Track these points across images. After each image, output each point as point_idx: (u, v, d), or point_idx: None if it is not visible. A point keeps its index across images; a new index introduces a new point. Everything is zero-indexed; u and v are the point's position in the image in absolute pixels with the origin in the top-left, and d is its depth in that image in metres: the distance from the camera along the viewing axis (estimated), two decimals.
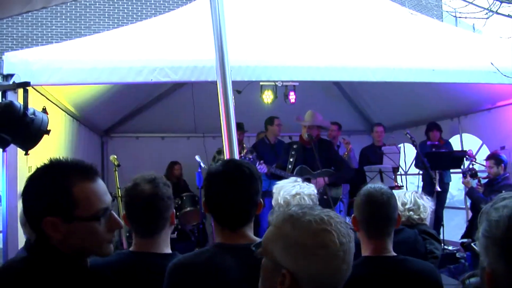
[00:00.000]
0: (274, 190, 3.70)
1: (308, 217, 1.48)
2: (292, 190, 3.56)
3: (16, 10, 2.91)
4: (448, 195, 8.94)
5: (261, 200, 2.30)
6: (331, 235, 1.43)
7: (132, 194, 2.41)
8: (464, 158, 7.42)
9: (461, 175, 8.79)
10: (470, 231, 6.66)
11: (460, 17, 5.14)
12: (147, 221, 2.40)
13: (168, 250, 2.46)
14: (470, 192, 6.83)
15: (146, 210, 2.38)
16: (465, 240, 6.70)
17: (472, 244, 2.82)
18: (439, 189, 7.53)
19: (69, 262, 1.68)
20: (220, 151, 8.32)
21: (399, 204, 3.84)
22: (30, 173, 1.74)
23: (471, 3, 5.15)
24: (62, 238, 1.64)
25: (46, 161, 1.76)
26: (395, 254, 2.62)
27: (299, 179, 3.74)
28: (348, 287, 1.53)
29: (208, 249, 2.19)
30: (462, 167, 7.83)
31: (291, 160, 6.62)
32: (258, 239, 2.22)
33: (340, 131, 8.93)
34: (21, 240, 4.26)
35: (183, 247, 7.64)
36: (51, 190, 1.67)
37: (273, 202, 3.68)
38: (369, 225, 2.63)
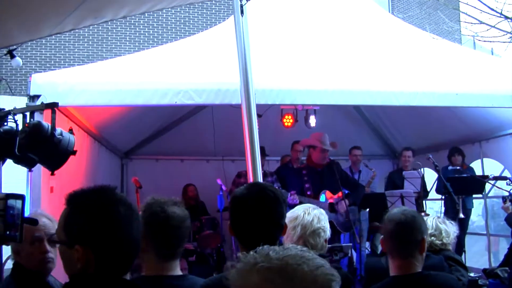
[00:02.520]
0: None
1: None
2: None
3: (47, 32, 2.97)
4: (469, 222, 8.81)
5: (286, 223, 2.29)
6: None
7: (162, 216, 2.33)
8: (487, 181, 7.29)
9: (482, 200, 8.69)
10: (509, 258, 6.48)
11: (483, 40, 5.12)
12: (176, 244, 2.37)
13: (180, 272, 2.44)
14: (509, 218, 6.65)
15: (175, 232, 2.35)
16: (487, 267, 6.56)
17: (497, 270, 2.79)
18: (462, 216, 7.41)
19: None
20: (240, 175, 8.31)
21: None
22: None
23: (493, 26, 5.15)
24: None
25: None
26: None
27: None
28: None
29: None
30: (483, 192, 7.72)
31: (306, 186, 6.53)
32: None
33: (362, 156, 8.88)
34: None
35: (201, 271, 7.63)
36: None
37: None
38: (392, 245, 2.72)
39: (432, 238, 3.86)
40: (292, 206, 3.79)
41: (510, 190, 6.98)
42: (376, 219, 7.43)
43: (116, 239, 1.65)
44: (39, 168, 4.24)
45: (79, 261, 1.60)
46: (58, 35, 13.90)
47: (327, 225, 3.07)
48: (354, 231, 6.86)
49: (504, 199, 6.87)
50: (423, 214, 6.93)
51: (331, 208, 6.24)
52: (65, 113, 5.03)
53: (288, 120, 8.39)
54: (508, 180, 7.10)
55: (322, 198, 6.41)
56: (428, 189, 8.31)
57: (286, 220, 2.42)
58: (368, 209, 7.94)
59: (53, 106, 3.36)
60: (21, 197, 2.15)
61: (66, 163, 3.69)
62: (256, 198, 2.22)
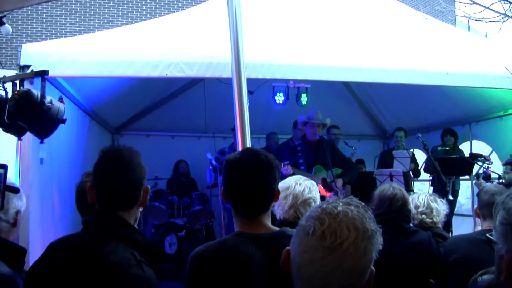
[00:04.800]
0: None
1: None
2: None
3: (35, 0, 2.93)
4: (457, 203, 8.90)
5: (279, 188, 2.31)
6: None
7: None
8: (475, 163, 7.36)
9: (469, 183, 8.76)
10: None
11: (476, 19, 5.12)
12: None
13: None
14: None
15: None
16: None
17: (487, 234, 2.86)
18: (451, 198, 7.48)
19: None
20: (223, 152, 8.33)
21: (412, 206, 3.85)
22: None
23: (487, 8, 5.14)
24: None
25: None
26: None
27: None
28: None
29: (229, 238, 2.19)
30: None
31: (300, 161, 6.61)
32: (276, 228, 2.24)
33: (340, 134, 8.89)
34: (32, 228, 4.29)
35: (191, 246, 7.68)
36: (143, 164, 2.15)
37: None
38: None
39: (423, 216, 3.92)
40: (285, 176, 3.82)
41: (484, 167, 7.06)
42: (365, 198, 7.49)
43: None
44: (29, 139, 4.25)
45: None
46: (49, 8, 13.82)
47: (318, 196, 3.11)
48: None
49: (477, 176, 6.98)
50: (410, 192, 7.02)
51: (324, 183, 6.30)
52: (56, 85, 5.02)
53: (279, 98, 8.40)
54: (483, 158, 7.20)
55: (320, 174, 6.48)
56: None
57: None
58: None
59: (42, 74, 3.35)
60: (3, 167, 2.16)
61: (56, 137, 3.69)
62: (250, 162, 2.22)
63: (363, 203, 1.44)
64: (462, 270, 3.10)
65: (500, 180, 6.83)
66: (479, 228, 3.55)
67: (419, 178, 9.18)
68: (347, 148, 8.72)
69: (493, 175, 7.06)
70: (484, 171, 7.00)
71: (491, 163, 7.28)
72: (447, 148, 8.07)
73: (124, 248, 1.89)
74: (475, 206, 3.44)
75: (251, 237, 2.15)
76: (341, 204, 1.41)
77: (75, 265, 1.86)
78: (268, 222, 2.25)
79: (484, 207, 3.26)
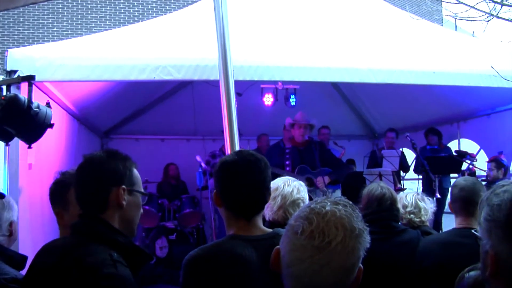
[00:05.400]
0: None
1: None
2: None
3: (22, 1, 2.92)
4: (447, 201, 8.95)
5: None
6: None
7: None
8: (464, 161, 7.43)
9: None
10: None
11: (461, 19, 5.16)
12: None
13: None
14: None
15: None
16: None
17: (472, 231, 2.89)
18: (439, 196, 7.52)
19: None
20: (214, 155, 8.32)
21: (400, 206, 3.87)
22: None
23: (473, 7, 5.17)
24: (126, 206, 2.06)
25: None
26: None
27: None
28: None
29: (225, 241, 2.19)
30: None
31: (287, 162, 6.62)
32: (268, 230, 2.25)
33: (329, 135, 8.93)
34: (22, 233, 4.26)
35: (181, 249, 7.67)
36: (118, 166, 2.10)
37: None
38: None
39: (411, 216, 3.94)
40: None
41: (469, 165, 7.13)
42: (354, 198, 7.52)
43: None
44: (17, 145, 4.23)
45: None
46: (36, 13, 13.75)
47: (307, 196, 3.12)
48: None
49: (462, 173, 7.04)
50: (398, 189, 7.07)
51: (309, 183, 6.31)
52: (43, 90, 5.00)
53: (268, 99, 8.42)
54: (468, 155, 7.26)
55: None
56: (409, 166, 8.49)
57: None
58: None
59: (29, 78, 3.35)
60: None
61: (45, 142, 3.69)
62: (247, 162, 2.23)
63: (350, 202, 1.48)
64: (436, 278, 3.15)
65: (487, 178, 6.90)
66: None
67: (408, 177, 9.26)
68: (337, 148, 8.76)
69: (479, 172, 7.13)
70: (469, 168, 7.07)
71: (476, 160, 7.35)
72: (435, 147, 8.13)
73: (102, 250, 1.90)
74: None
75: (246, 239, 2.15)
76: (329, 203, 1.45)
77: (54, 267, 1.89)
78: (261, 223, 2.27)
79: (454, 202, 3.30)
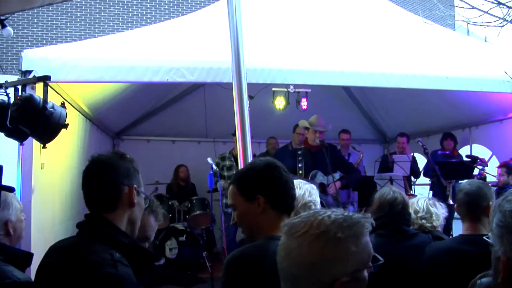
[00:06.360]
0: None
1: None
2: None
3: (39, 1, 2.95)
4: None
5: None
6: None
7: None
8: (475, 167, 7.38)
9: None
10: None
11: (474, 24, 5.14)
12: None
13: None
14: None
15: None
16: None
17: (484, 237, 2.88)
18: (451, 203, 7.47)
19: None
20: (223, 157, 8.32)
21: (411, 211, 3.86)
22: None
23: (486, 12, 5.15)
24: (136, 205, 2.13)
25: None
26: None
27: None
28: None
29: (263, 242, 2.20)
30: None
31: (299, 165, 6.63)
32: None
33: (350, 139, 8.92)
34: (34, 232, 4.30)
35: (191, 251, 7.70)
36: (129, 165, 2.16)
37: None
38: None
39: (423, 221, 3.93)
40: None
41: (480, 171, 7.09)
42: (365, 202, 7.52)
43: None
44: (31, 144, 4.27)
45: None
46: (50, 14, 13.85)
47: (318, 200, 3.13)
48: None
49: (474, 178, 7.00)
50: (409, 195, 7.03)
51: (321, 189, 6.31)
52: (57, 91, 5.04)
53: (280, 102, 8.42)
54: (479, 160, 7.22)
55: (318, 179, 6.50)
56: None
57: None
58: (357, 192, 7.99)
59: (45, 79, 3.38)
60: None
61: (57, 140, 3.71)
62: (280, 165, 2.40)
63: (363, 220, 1.43)
64: (442, 286, 3.13)
65: (498, 183, 6.86)
66: None
67: (419, 182, 9.21)
68: (356, 153, 8.75)
69: (490, 178, 7.09)
70: (479, 173, 7.03)
71: (486, 165, 7.30)
72: (447, 152, 8.09)
73: (104, 249, 1.92)
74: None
75: None
76: (335, 212, 1.44)
77: (57, 266, 1.92)
78: None
79: (459, 206, 3.26)
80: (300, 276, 1.37)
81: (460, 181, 8.23)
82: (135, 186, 2.13)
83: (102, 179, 2.11)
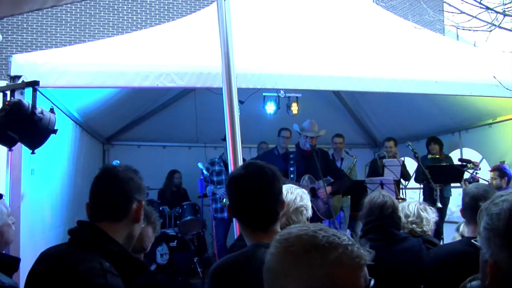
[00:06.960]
0: None
1: None
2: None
3: (28, 6, 2.94)
4: (448, 211, 8.93)
5: (284, 199, 2.34)
6: None
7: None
8: (466, 170, 7.40)
9: (461, 190, 8.80)
10: None
11: (463, 29, 5.17)
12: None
13: None
14: None
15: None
16: None
17: (472, 240, 2.89)
18: (440, 206, 7.49)
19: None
20: (213, 162, 8.33)
21: (402, 215, 3.87)
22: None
23: (475, 17, 5.19)
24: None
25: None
26: None
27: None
28: None
29: (250, 249, 2.19)
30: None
31: (291, 169, 6.64)
32: None
33: (344, 143, 8.94)
34: (23, 238, 4.27)
35: (182, 256, 7.68)
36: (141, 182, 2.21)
37: None
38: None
39: (413, 225, 3.93)
40: None
41: (471, 173, 7.11)
42: (357, 206, 7.53)
43: None
44: (20, 150, 4.24)
45: None
46: (39, 19, 13.80)
47: (309, 204, 3.13)
48: (335, 219, 6.93)
49: (466, 181, 7.02)
50: (399, 199, 7.04)
51: (312, 193, 6.32)
52: (46, 96, 5.01)
53: (270, 107, 8.44)
54: (472, 164, 7.25)
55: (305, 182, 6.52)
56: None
57: None
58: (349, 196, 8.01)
59: (33, 84, 3.37)
60: None
61: (47, 146, 3.70)
62: (255, 177, 2.24)
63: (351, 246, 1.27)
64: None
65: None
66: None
67: (410, 186, 9.24)
68: (349, 157, 8.76)
69: (482, 182, 7.10)
70: (472, 176, 7.05)
71: (479, 169, 7.33)
72: (436, 156, 8.12)
73: (93, 258, 1.91)
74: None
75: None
76: (333, 233, 1.30)
77: (46, 274, 1.91)
78: (279, 230, 2.26)
79: (465, 210, 3.27)
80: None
81: (449, 185, 8.31)
82: (143, 202, 2.16)
83: (115, 190, 2.12)
